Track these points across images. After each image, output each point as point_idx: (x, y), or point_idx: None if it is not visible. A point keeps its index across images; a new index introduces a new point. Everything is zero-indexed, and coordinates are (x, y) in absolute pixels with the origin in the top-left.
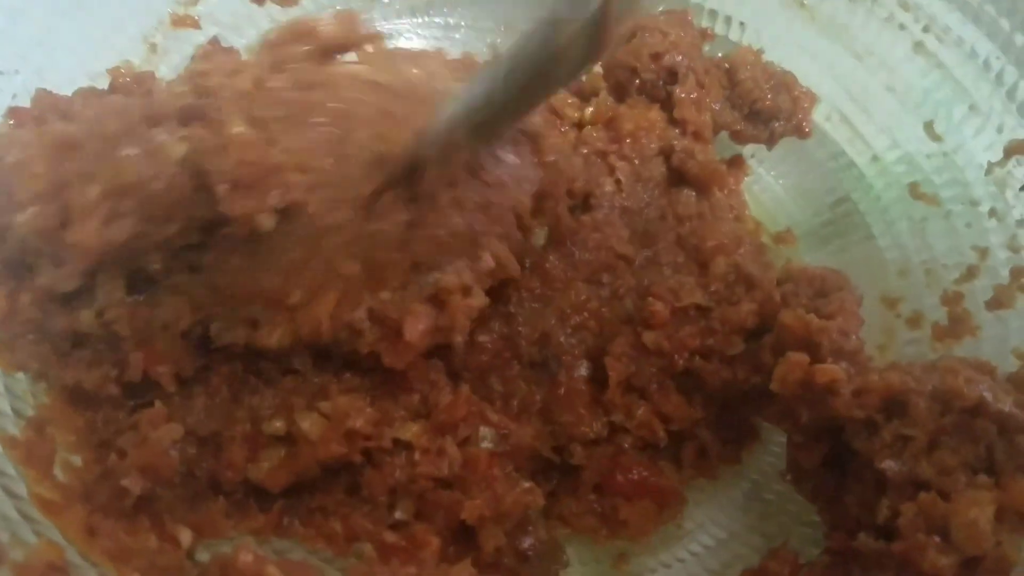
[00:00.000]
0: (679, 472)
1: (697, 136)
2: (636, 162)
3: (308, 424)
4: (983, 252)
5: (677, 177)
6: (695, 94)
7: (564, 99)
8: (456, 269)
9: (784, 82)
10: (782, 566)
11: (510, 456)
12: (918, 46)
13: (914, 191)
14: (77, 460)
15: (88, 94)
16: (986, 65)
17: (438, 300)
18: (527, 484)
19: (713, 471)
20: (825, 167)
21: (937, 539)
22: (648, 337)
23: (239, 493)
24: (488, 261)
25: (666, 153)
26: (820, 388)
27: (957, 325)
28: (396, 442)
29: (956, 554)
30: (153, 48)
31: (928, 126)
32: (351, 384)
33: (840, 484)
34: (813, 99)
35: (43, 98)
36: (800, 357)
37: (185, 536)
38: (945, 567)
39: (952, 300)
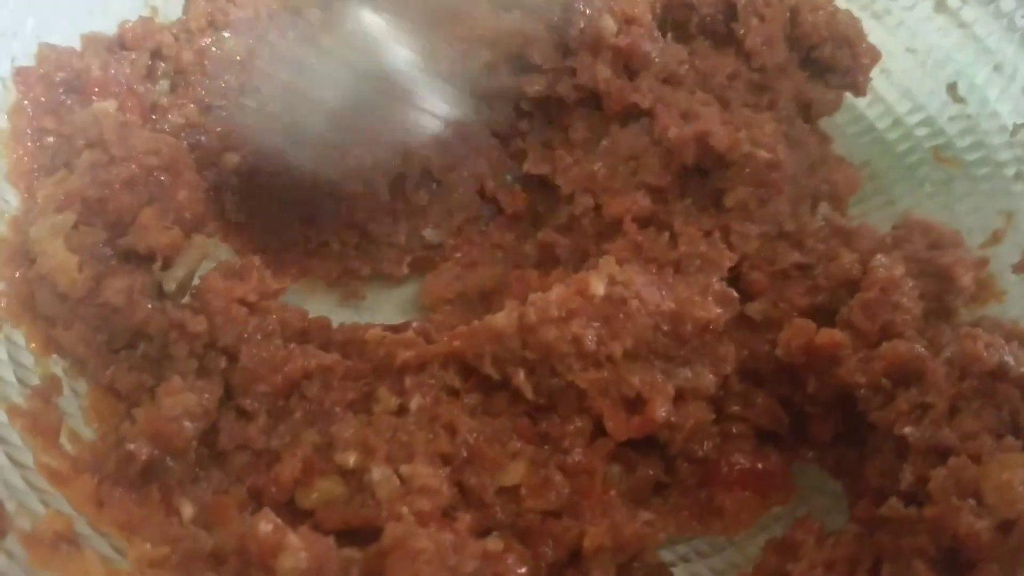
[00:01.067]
0: (781, 454)
1: (786, 73)
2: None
3: (379, 477)
4: (1008, 216)
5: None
6: (761, 33)
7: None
8: (704, 372)
9: (847, 36)
10: (807, 535)
11: (631, 492)
12: (940, 5)
13: (937, 155)
14: (85, 431)
15: (95, 43)
16: (1010, 24)
17: (679, 397)
18: (647, 515)
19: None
20: (845, 132)
21: (972, 502)
22: (752, 308)
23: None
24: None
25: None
26: (824, 355)
27: (982, 290)
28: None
29: (991, 517)
30: (154, 11)
31: (951, 88)
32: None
33: (860, 455)
34: (876, 57)
35: (48, 55)
36: (805, 323)
37: (187, 510)
38: (982, 530)
39: (977, 265)
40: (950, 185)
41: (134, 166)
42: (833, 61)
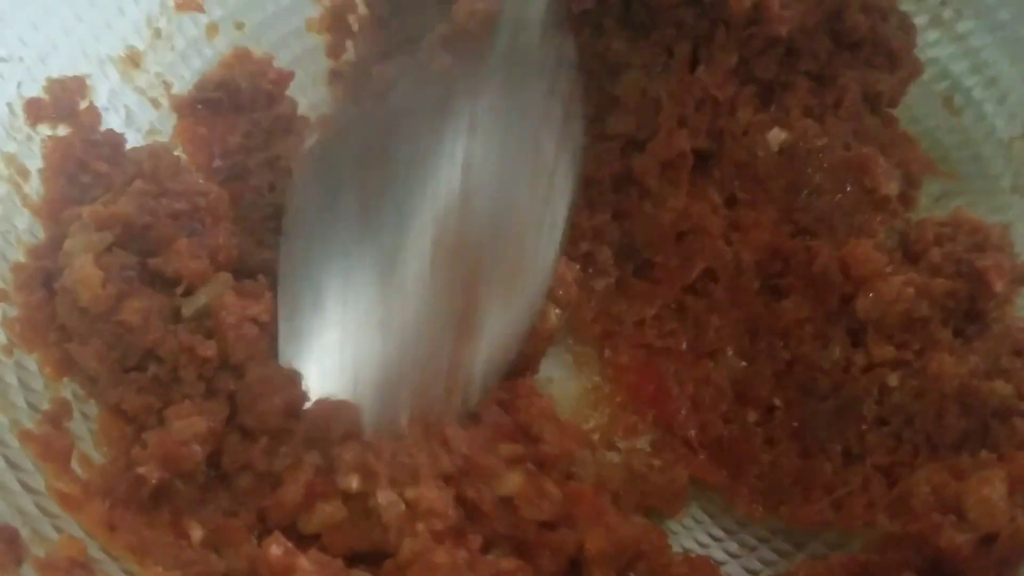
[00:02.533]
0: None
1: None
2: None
3: (384, 502)
4: (1004, 228)
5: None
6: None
7: None
8: None
9: (889, 44)
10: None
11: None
12: (935, 18)
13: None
14: (95, 455)
15: None
16: (1005, 38)
17: None
18: (639, 519)
19: None
20: None
21: (953, 517)
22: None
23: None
24: None
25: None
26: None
27: None
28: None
29: (973, 531)
30: (157, 33)
31: (947, 101)
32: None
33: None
34: (916, 71)
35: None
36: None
37: (196, 532)
38: (963, 544)
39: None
40: (946, 198)
41: (183, 202)
42: (869, 64)
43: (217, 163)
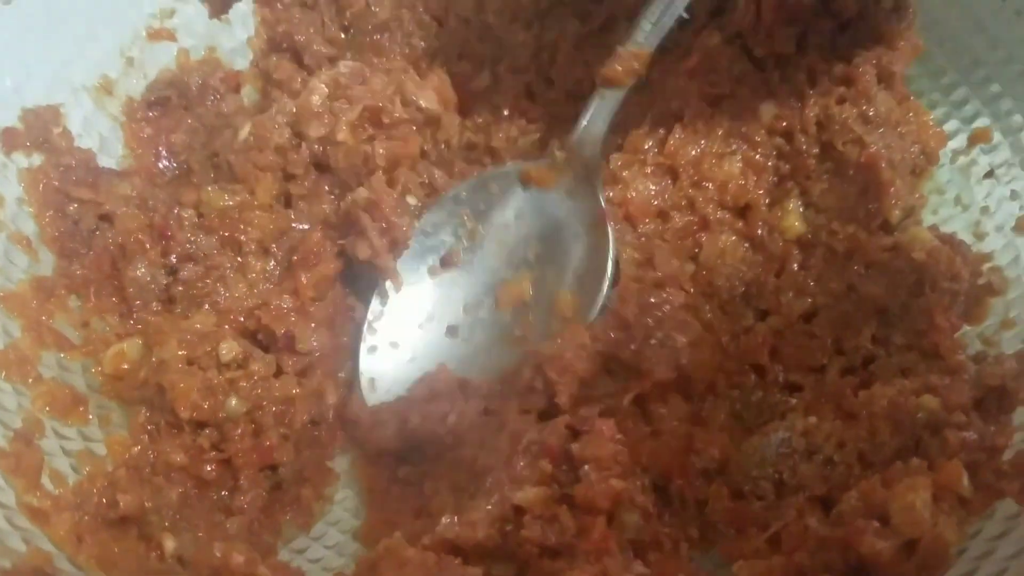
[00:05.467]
0: None
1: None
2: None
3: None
4: None
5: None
6: None
7: None
8: None
9: (881, 31)
10: None
11: (633, 543)
12: None
13: None
14: (68, 470)
15: None
16: (953, 52)
17: None
18: (641, 568)
19: None
20: None
21: (876, 524)
22: None
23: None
24: None
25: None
26: None
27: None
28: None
29: (895, 538)
30: (130, 62)
31: None
32: None
33: None
34: (916, 51)
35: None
36: None
37: (169, 543)
38: (883, 550)
39: None
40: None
41: None
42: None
43: (164, 163)
